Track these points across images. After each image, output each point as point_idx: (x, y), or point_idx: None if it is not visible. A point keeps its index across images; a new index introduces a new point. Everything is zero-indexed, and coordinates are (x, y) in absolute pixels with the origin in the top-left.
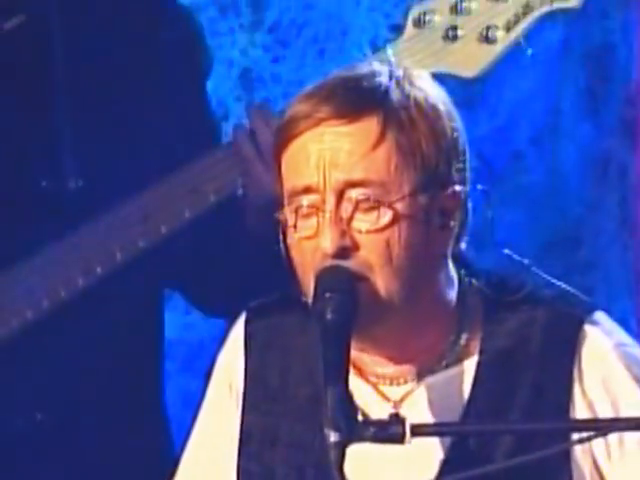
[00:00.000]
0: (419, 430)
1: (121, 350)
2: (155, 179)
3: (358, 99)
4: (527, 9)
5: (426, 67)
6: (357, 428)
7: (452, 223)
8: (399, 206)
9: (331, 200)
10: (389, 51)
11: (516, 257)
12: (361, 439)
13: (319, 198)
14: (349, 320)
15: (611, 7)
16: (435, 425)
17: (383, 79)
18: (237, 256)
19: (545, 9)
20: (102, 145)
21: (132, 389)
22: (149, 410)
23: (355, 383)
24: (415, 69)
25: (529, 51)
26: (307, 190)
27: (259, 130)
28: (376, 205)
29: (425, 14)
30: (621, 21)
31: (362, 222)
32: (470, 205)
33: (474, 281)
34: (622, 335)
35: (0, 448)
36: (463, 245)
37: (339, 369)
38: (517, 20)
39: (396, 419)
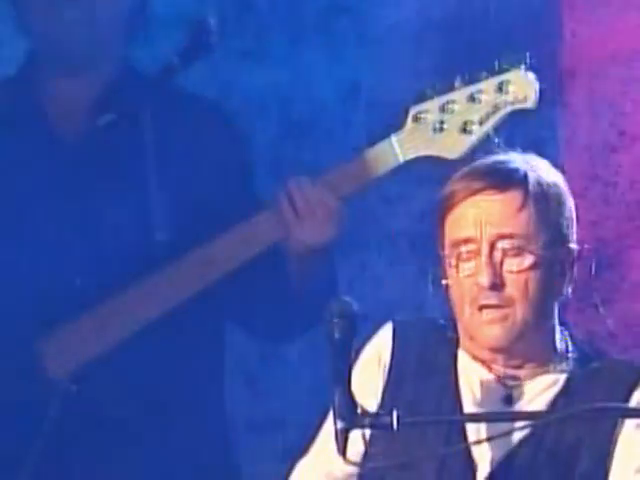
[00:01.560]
0: (403, 420)
1: (190, 368)
2: (217, 232)
3: (506, 176)
4: (495, 109)
5: (420, 151)
6: (356, 418)
7: (568, 272)
8: (537, 253)
9: (486, 248)
10: (393, 138)
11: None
12: (360, 426)
13: (476, 247)
14: (351, 339)
15: (541, 107)
16: (417, 417)
17: (520, 164)
18: (284, 293)
19: (509, 109)
20: (181, 209)
21: (197, 397)
22: (212, 417)
23: (484, 374)
24: (536, 160)
25: (496, 140)
26: (467, 241)
27: (295, 194)
28: (520, 252)
29: (420, 112)
30: (549, 118)
31: (509, 265)
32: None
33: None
34: None
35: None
36: (570, 290)
37: (343, 375)
38: (488, 117)
39: (388, 412)
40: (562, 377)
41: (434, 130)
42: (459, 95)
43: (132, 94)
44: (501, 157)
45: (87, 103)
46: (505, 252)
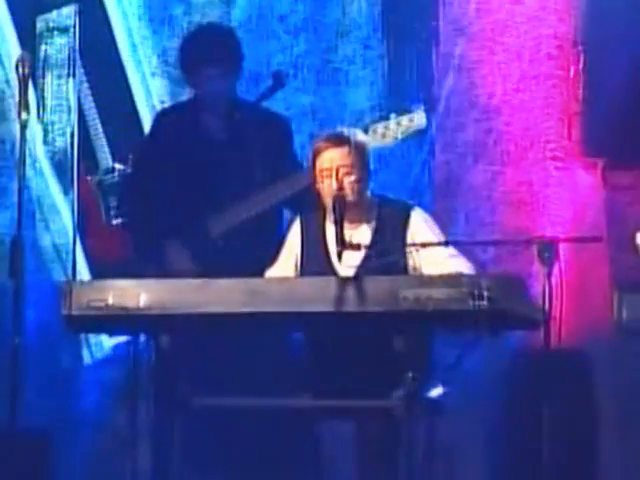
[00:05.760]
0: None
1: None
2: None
3: (341, 139)
4: (407, 128)
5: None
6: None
7: (368, 179)
8: (356, 174)
9: (333, 173)
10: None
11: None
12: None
13: (329, 172)
14: (343, 208)
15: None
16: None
17: (348, 133)
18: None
19: (412, 130)
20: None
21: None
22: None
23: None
24: (356, 131)
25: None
26: (325, 170)
27: None
28: (349, 174)
29: (375, 129)
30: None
31: (345, 180)
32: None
33: (376, 199)
34: (426, 214)
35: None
36: (372, 185)
37: (340, 225)
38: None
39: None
40: (374, 221)
41: (381, 136)
42: (392, 122)
43: (242, 115)
44: (341, 130)
45: (222, 118)
46: (343, 174)
